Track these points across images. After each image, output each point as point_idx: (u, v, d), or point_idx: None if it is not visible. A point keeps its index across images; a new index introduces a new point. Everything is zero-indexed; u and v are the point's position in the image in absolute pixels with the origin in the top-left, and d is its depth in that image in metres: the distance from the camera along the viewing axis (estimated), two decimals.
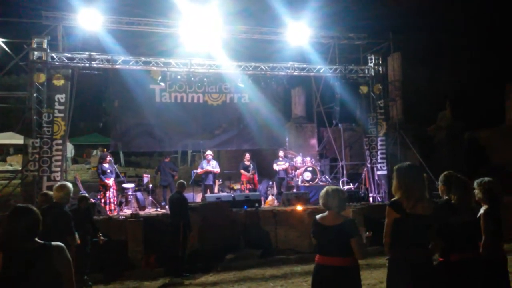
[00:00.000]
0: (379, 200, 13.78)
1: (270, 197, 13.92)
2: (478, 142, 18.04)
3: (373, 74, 14.53)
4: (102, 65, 12.31)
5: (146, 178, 14.03)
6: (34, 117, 11.33)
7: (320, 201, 4.20)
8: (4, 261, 2.80)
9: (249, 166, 13.98)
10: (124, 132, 13.30)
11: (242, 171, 14.00)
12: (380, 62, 14.67)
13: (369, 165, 14.28)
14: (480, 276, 4.09)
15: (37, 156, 11.20)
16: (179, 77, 13.47)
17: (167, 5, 13.01)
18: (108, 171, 12.09)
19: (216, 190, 13.91)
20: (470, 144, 18.12)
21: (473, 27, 22.41)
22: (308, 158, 14.78)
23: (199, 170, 13.75)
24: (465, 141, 18.43)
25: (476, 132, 18.36)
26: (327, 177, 15.23)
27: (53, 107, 11.58)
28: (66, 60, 11.90)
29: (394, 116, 16.30)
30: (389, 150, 14.61)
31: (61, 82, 11.80)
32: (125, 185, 12.86)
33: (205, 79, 13.75)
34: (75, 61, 11.96)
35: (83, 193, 10.99)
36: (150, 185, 13.40)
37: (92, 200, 11.43)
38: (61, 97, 11.71)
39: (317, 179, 14.22)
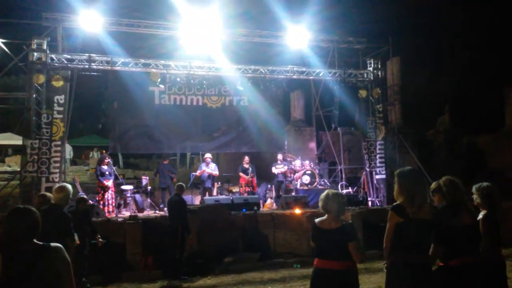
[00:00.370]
0: (378, 204, 13.78)
1: (268, 200, 13.93)
2: (477, 146, 18.06)
3: (372, 78, 14.56)
4: (101, 67, 12.31)
5: (144, 180, 14.01)
6: (33, 118, 11.32)
7: (320, 204, 4.20)
8: (4, 262, 2.79)
9: (248, 169, 13.99)
10: (123, 134, 13.29)
11: (241, 174, 14.00)
12: (379, 66, 14.71)
13: (367, 169, 14.29)
14: (479, 281, 4.09)
15: (35, 157, 11.19)
16: (178, 79, 13.48)
17: (167, 7, 13.05)
18: (107, 172, 12.08)
19: (214, 192, 13.91)
20: (469, 149, 18.14)
21: (472, 31, 22.47)
22: (307, 162, 14.79)
23: (198, 172, 13.75)
24: (464, 145, 18.46)
25: (475, 136, 18.38)
26: (325, 180, 15.23)
27: (52, 108, 11.57)
28: (66, 62, 11.90)
29: (393, 120, 16.33)
30: (387, 154, 14.63)
31: (61, 83, 11.79)
32: (123, 187, 12.85)
33: (204, 82, 13.76)
34: (74, 63, 11.96)
35: (82, 194, 10.98)
36: (149, 187, 13.39)
37: (90, 201, 11.43)
38: (60, 98, 11.71)
39: (315, 183, 14.22)
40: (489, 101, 19.95)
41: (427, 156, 16.74)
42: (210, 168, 13.58)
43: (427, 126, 19.72)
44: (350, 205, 12.63)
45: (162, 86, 13.38)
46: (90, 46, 12.67)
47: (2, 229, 2.91)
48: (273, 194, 14.23)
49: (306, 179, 14.20)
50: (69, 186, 6.02)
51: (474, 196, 4.57)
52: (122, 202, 12.71)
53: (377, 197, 14.01)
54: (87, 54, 12.11)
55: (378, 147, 14.37)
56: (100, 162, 12.43)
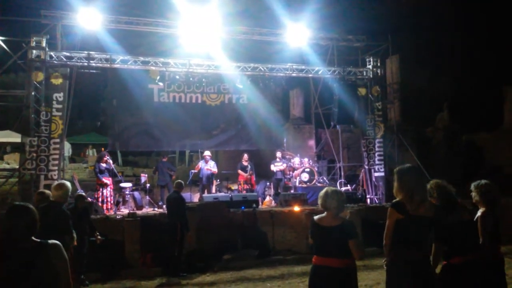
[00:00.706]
0: (377, 201, 13.81)
1: (267, 198, 13.93)
2: (476, 144, 18.08)
3: (371, 76, 14.57)
4: (100, 64, 12.31)
5: (143, 177, 14.03)
6: (32, 116, 11.31)
7: (319, 202, 4.21)
8: (2, 259, 2.79)
9: (247, 166, 13.99)
10: (122, 131, 13.28)
11: (240, 172, 14.00)
12: (379, 64, 14.72)
13: (366, 167, 14.31)
14: (478, 278, 4.12)
15: (34, 154, 11.19)
16: (177, 77, 13.48)
17: (166, 5, 13.03)
18: (106, 170, 12.09)
19: (213, 190, 13.91)
20: (467, 146, 18.15)
21: (471, 29, 22.47)
22: (306, 159, 14.79)
23: (196, 167, 13.73)
24: (462, 143, 18.47)
25: (473, 134, 18.40)
26: (324, 178, 15.24)
27: (51, 106, 11.58)
28: (65, 59, 11.88)
29: (392, 118, 16.33)
30: (386, 152, 14.64)
31: (60, 81, 11.79)
32: (122, 185, 12.85)
33: (203, 80, 13.76)
34: (73, 60, 11.95)
35: (81, 192, 10.99)
36: (148, 185, 13.40)
37: (89, 199, 11.43)
38: (59, 96, 11.71)
39: (314, 180, 14.23)
40: (488, 99, 19.97)
41: (426, 153, 16.75)
42: (209, 166, 13.59)
43: (426, 124, 19.72)
44: (349, 202, 12.62)
45: (161, 84, 13.37)
46: (89, 44, 12.65)
47: (0, 226, 2.90)
48: (272, 191, 14.25)
49: (305, 176, 14.21)
50: (68, 184, 6.02)
51: (473, 194, 4.58)
52: (121, 199, 12.72)
53: (376, 194, 14.03)
54: (86, 52, 12.10)
55: (377, 144, 14.40)
56: (99, 159, 12.44)
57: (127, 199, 12.67)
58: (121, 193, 12.76)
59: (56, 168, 11.45)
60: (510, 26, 21.21)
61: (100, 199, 11.85)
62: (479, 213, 4.46)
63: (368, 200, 13.89)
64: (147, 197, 13.14)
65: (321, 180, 14.79)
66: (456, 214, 4.20)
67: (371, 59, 14.64)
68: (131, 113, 13.28)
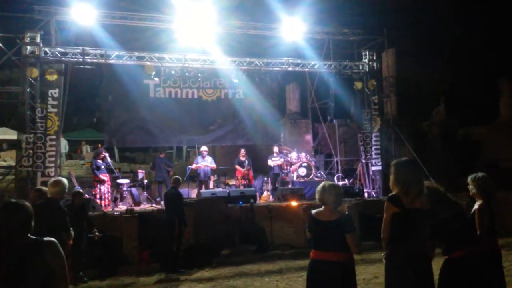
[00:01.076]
0: (374, 195, 13.83)
1: (265, 193, 13.94)
2: (472, 137, 18.13)
3: (367, 70, 14.56)
4: (95, 60, 12.24)
5: (141, 173, 14.00)
6: (28, 112, 11.26)
7: (316, 196, 4.20)
8: None
9: (244, 161, 13.99)
10: (118, 127, 13.23)
11: (237, 167, 14.00)
12: (375, 58, 14.70)
13: (363, 161, 14.33)
14: (477, 271, 4.13)
15: (31, 151, 11.14)
16: (173, 72, 13.43)
17: (161, 0, 12.95)
18: (103, 166, 12.07)
19: (211, 185, 13.90)
20: (464, 140, 18.20)
21: (467, 23, 22.48)
22: (303, 154, 14.80)
23: (194, 165, 13.74)
24: (459, 136, 18.52)
25: (470, 128, 18.45)
26: (322, 172, 15.25)
27: (47, 102, 11.51)
28: (59, 55, 11.82)
29: (389, 112, 16.34)
30: (383, 146, 14.67)
31: (54, 77, 11.72)
32: (119, 181, 12.82)
33: (199, 75, 13.71)
34: (68, 56, 11.88)
35: (78, 188, 10.93)
36: (145, 181, 13.37)
37: (86, 196, 11.41)
38: (54, 92, 11.64)
39: (312, 175, 14.24)
40: (484, 93, 20.01)
41: (423, 147, 16.79)
42: (207, 161, 13.57)
43: (422, 118, 19.77)
44: (346, 196, 12.65)
45: (156, 79, 13.31)
46: (83, 39, 12.59)
47: None
48: (270, 186, 14.24)
49: (302, 171, 14.22)
50: (65, 180, 6.00)
51: (470, 187, 4.59)
52: (118, 196, 12.69)
53: (373, 188, 14.06)
54: (81, 48, 12.04)
55: (373, 138, 14.41)
56: (96, 156, 12.41)
57: (124, 195, 12.65)
58: (119, 189, 12.73)
59: (52, 165, 11.41)
60: (506, 20, 21.23)
61: (97, 196, 11.83)
62: (476, 206, 4.46)
63: (366, 194, 13.91)
64: (145, 193, 13.12)
65: (319, 174, 14.80)
66: (450, 209, 4.20)
67: (367, 53, 14.62)
68: (127, 108, 13.22)
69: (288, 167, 14.51)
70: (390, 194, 3.93)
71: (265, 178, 14.67)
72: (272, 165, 14.13)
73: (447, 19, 23.01)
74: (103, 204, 11.74)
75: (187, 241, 10.01)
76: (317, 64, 14.18)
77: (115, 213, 10.81)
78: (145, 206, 12.38)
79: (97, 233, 8.66)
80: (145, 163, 22.38)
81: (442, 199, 4.28)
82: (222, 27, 13.45)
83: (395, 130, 15.12)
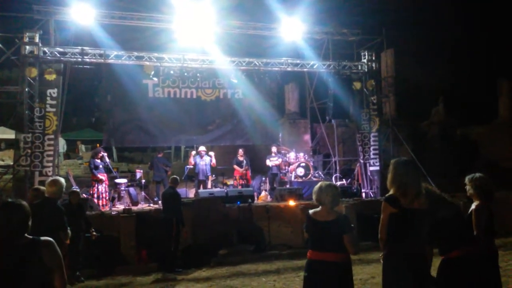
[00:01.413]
0: (372, 195, 13.84)
1: (263, 193, 13.94)
2: (471, 137, 18.15)
3: (366, 70, 14.56)
4: (94, 60, 12.24)
5: (139, 173, 13.98)
6: (26, 112, 11.25)
7: (313, 197, 4.19)
8: None
9: (242, 161, 13.99)
10: (117, 127, 13.24)
11: (235, 167, 14.00)
12: (374, 58, 14.70)
13: (362, 161, 14.32)
14: (474, 271, 4.13)
15: (29, 151, 11.13)
16: (172, 72, 13.43)
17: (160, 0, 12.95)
18: (101, 166, 12.06)
19: (209, 185, 13.90)
20: (463, 140, 18.22)
21: (465, 23, 22.51)
22: (301, 154, 14.81)
23: (191, 160, 13.70)
24: (458, 136, 18.54)
25: (469, 127, 18.47)
26: (320, 172, 15.26)
27: (45, 102, 11.50)
28: (58, 55, 11.81)
29: (387, 112, 16.36)
30: (382, 146, 14.66)
31: (53, 76, 11.71)
32: (117, 180, 12.82)
33: (198, 74, 13.72)
34: (67, 56, 11.87)
35: (75, 188, 10.94)
36: (143, 181, 13.36)
37: (84, 195, 11.41)
38: (53, 91, 11.63)
39: (310, 175, 14.25)
40: (482, 93, 20.04)
41: (422, 147, 16.81)
42: (205, 161, 13.56)
43: (421, 118, 19.79)
44: (344, 196, 12.66)
45: (155, 79, 13.32)
46: (82, 39, 12.58)
47: None
48: (268, 186, 14.25)
49: (301, 171, 14.22)
50: (62, 180, 6.00)
51: (467, 187, 4.58)
52: (116, 195, 12.69)
53: (371, 188, 14.06)
54: (79, 47, 12.04)
55: (372, 139, 14.41)
56: (94, 155, 12.40)
57: (122, 195, 12.65)
58: (116, 189, 12.72)
59: (50, 164, 11.40)
60: (504, 20, 21.25)
61: (95, 195, 11.82)
62: (473, 206, 4.46)
63: (363, 194, 13.92)
64: (143, 193, 13.11)
65: (317, 174, 14.81)
66: (448, 209, 4.20)
67: (366, 53, 14.62)
68: (126, 108, 13.23)
69: (286, 167, 14.51)
70: (387, 195, 3.93)
71: (263, 178, 14.67)
72: (270, 165, 14.14)
73: (446, 19, 23.05)
74: (100, 204, 11.73)
75: (184, 241, 10.00)
76: (316, 64, 14.18)
77: (113, 213, 10.80)
78: (142, 206, 12.37)
79: (94, 233, 8.66)
80: (143, 163, 22.37)
81: (440, 199, 4.29)
82: (221, 27, 13.45)
83: (394, 130, 15.13)
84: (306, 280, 4.14)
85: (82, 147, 25.83)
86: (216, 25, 13.26)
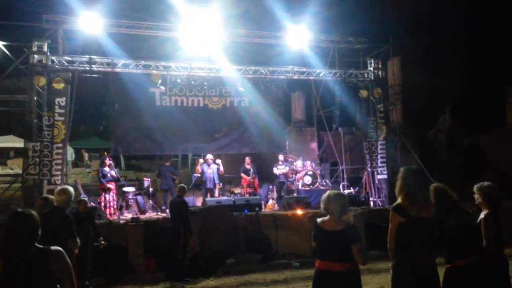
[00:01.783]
0: (380, 204, 13.76)
1: (270, 201, 13.91)
2: (478, 146, 18.05)
3: (372, 78, 14.55)
4: (102, 69, 12.33)
5: (146, 181, 14.02)
6: (35, 121, 11.33)
7: (322, 206, 4.18)
8: (4, 266, 2.78)
9: (249, 170, 13.98)
10: (124, 135, 13.30)
11: (243, 175, 13.99)
12: (380, 66, 14.70)
13: (369, 169, 14.27)
14: (482, 281, 4.09)
15: (37, 159, 11.20)
16: (179, 80, 13.49)
17: (167, 8, 13.04)
18: (109, 174, 12.09)
19: (216, 194, 13.89)
20: (470, 148, 18.12)
21: (472, 31, 22.46)
22: (308, 162, 14.78)
23: (198, 168, 13.71)
24: (465, 145, 18.44)
25: (476, 135, 18.37)
26: (327, 181, 15.21)
27: (53, 111, 11.59)
28: (66, 64, 11.90)
29: (394, 120, 16.31)
30: (389, 154, 14.61)
31: (61, 85, 11.81)
32: (125, 189, 12.85)
33: (205, 83, 13.76)
34: (75, 65, 11.96)
35: (84, 197, 10.97)
36: (151, 189, 13.39)
37: (92, 203, 11.44)
38: (61, 100, 11.72)
39: (317, 183, 14.21)
40: (490, 100, 19.95)
41: (429, 155, 16.73)
42: (212, 169, 13.56)
43: (428, 126, 19.72)
44: (352, 205, 12.59)
45: (162, 87, 13.38)
46: (90, 48, 12.68)
47: (3, 233, 2.90)
48: (275, 195, 14.21)
49: (308, 179, 14.18)
50: (71, 189, 6.02)
51: (476, 196, 4.56)
52: (124, 204, 12.72)
53: (379, 197, 13.99)
54: (87, 56, 12.13)
55: (379, 147, 14.37)
56: (102, 164, 12.45)
57: (130, 203, 12.68)
58: (124, 197, 12.75)
59: (59, 173, 11.45)
60: (511, 27, 21.19)
61: (102, 204, 11.85)
62: (482, 215, 4.43)
63: (371, 203, 13.85)
64: (150, 202, 13.14)
65: (324, 183, 14.76)
66: (456, 217, 4.17)
67: (372, 61, 14.62)
68: (133, 117, 13.29)
69: (294, 176, 14.49)
70: (395, 204, 3.91)
71: (271, 187, 14.65)
72: (277, 174, 14.11)
73: (452, 27, 23.00)
74: (108, 212, 11.75)
75: (192, 249, 9.99)
76: (322, 72, 14.20)
77: (121, 221, 10.81)
78: (150, 214, 12.39)
79: (103, 242, 8.66)
80: (151, 171, 22.45)
81: (452, 207, 4.25)
82: (227, 35, 13.51)
83: (401, 138, 15.09)
84: None
85: (86, 155, 26.03)
86: (223, 34, 13.32)
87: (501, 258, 4.38)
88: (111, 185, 12.03)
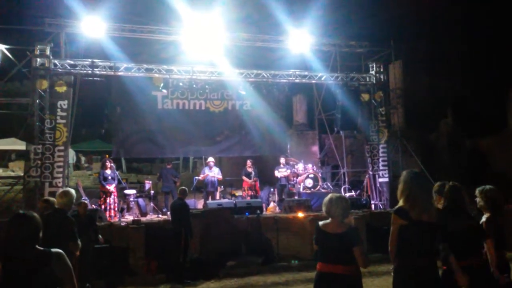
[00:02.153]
0: (381, 207, 13.77)
1: (271, 204, 13.91)
2: (480, 149, 18.03)
3: (374, 81, 14.57)
4: (104, 72, 12.37)
5: (147, 184, 14.03)
6: (37, 124, 11.37)
7: (323, 209, 4.19)
8: (5, 268, 2.79)
9: (251, 173, 13.98)
10: (126, 138, 13.33)
11: (244, 178, 13.99)
12: (382, 70, 14.72)
13: (370, 172, 14.28)
14: (483, 284, 4.09)
15: (39, 162, 11.23)
16: (181, 84, 13.53)
17: (169, 12, 13.08)
18: (110, 177, 12.11)
19: (217, 196, 13.90)
20: (472, 151, 18.11)
21: (473, 33, 22.46)
22: (310, 165, 14.78)
23: (201, 176, 13.78)
24: (467, 148, 18.42)
25: (478, 139, 18.35)
26: (328, 184, 15.22)
27: (56, 114, 11.64)
28: (69, 67, 11.95)
29: (396, 123, 16.31)
30: (390, 158, 14.62)
31: (64, 88, 11.85)
32: (126, 191, 12.87)
33: (207, 86, 13.81)
34: (77, 68, 12.01)
35: (85, 199, 11.00)
36: (152, 192, 13.40)
37: (93, 206, 11.46)
38: (63, 103, 11.77)
39: (318, 186, 14.21)
40: (491, 103, 19.92)
41: (430, 159, 16.72)
42: (213, 172, 13.59)
43: (430, 129, 19.69)
44: (353, 208, 12.56)
45: (164, 91, 13.42)
46: (93, 52, 12.73)
47: (4, 235, 2.91)
48: (276, 197, 14.22)
49: (309, 182, 14.19)
50: (73, 191, 6.03)
51: (477, 199, 4.57)
52: (125, 206, 12.73)
53: (380, 200, 13.99)
54: (90, 60, 12.17)
55: (381, 150, 14.38)
56: (103, 166, 12.47)
57: (131, 206, 12.69)
58: (125, 200, 12.77)
59: (60, 175, 11.48)
60: None
61: (103, 206, 11.86)
62: (483, 219, 4.44)
63: (373, 206, 13.85)
64: (151, 204, 13.14)
65: (325, 186, 14.76)
66: (459, 219, 4.18)
67: (374, 65, 14.65)
68: (135, 120, 13.33)
69: (295, 178, 14.49)
70: (397, 207, 3.92)
71: (272, 189, 14.65)
72: (279, 176, 14.11)
73: (453, 30, 23.00)
74: (109, 215, 11.77)
75: (193, 252, 10.00)
76: (324, 76, 14.22)
77: (122, 224, 10.82)
78: (151, 217, 12.40)
79: (101, 237, 8.70)
80: (152, 174, 22.46)
81: (460, 208, 4.24)
82: (229, 39, 13.54)
83: (403, 142, 15.08)
84: None
85: (83, 159, 26.15)
86: (225, 38, 13.36)
87: (502, 261, 4.38)
88: (112, 188, 12.04)
